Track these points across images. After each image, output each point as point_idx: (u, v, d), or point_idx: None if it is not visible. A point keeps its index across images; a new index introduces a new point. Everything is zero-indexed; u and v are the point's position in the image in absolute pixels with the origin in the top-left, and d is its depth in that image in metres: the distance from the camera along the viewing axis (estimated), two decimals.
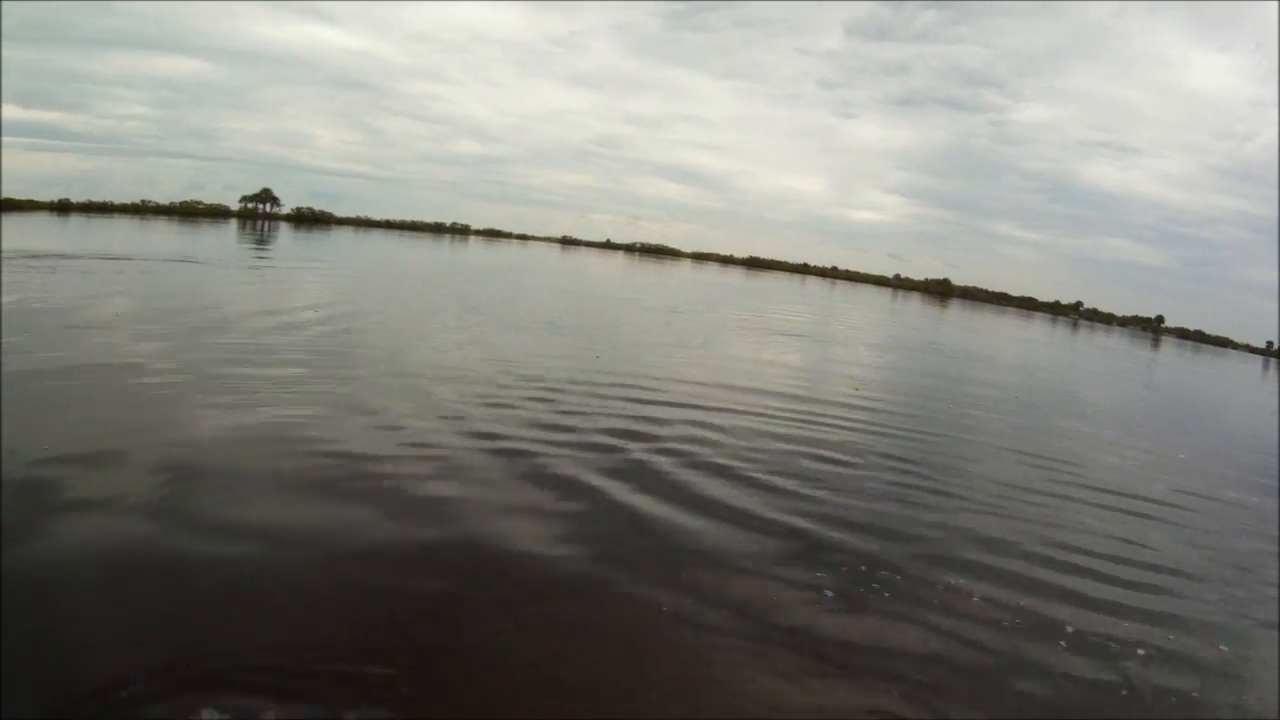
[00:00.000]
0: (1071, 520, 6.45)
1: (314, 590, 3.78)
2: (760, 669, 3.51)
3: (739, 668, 3.52)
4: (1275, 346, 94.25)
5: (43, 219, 42.38)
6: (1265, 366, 59.85)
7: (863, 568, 4.73)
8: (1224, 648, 4.38)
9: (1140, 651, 4.16)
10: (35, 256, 17.72)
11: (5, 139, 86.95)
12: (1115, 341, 54.39)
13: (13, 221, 35.94)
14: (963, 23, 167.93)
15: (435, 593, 3.92)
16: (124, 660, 3.08)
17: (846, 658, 3.69)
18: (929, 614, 4.27)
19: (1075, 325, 77.20)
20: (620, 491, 5.58)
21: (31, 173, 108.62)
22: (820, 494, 6.13)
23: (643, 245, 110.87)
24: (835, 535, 5.27)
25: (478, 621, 3.71)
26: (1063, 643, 4.12)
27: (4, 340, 8.15)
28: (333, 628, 3.47)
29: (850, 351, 18.46)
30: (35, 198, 52.82)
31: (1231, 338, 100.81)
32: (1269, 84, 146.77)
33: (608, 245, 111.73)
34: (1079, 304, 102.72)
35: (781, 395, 10.34)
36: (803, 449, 7.56)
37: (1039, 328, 54.85)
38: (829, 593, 4.36)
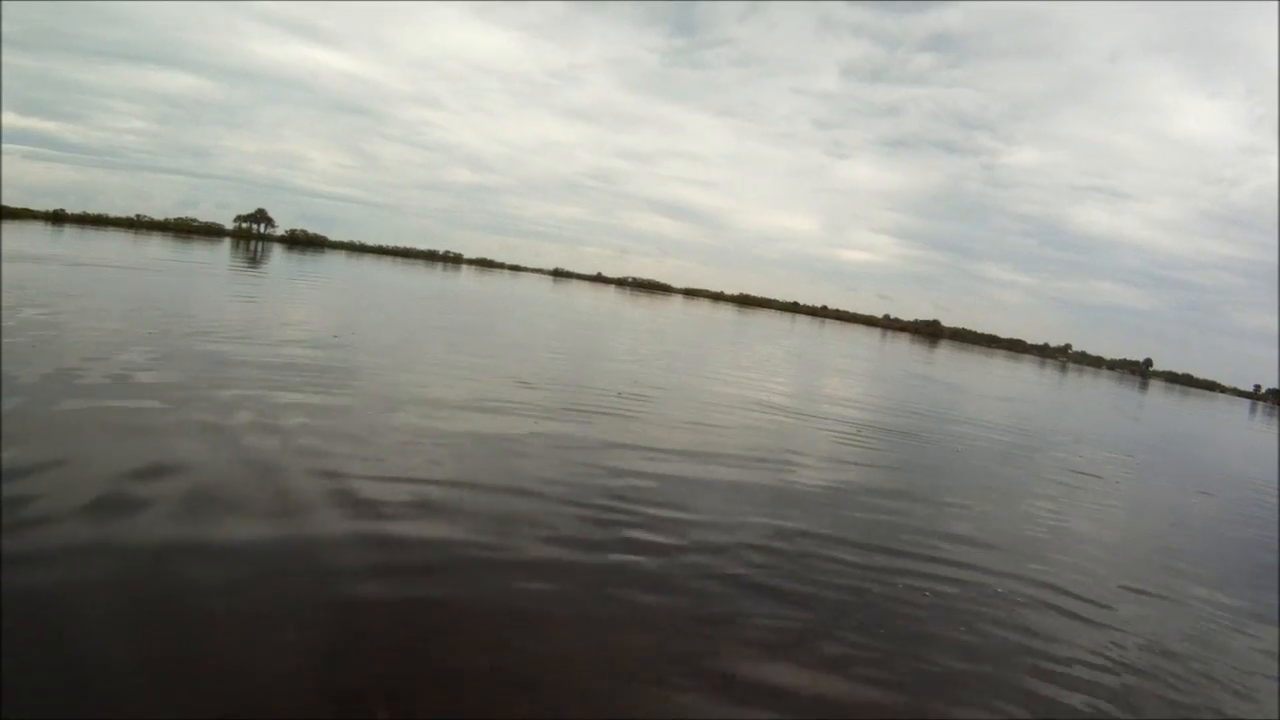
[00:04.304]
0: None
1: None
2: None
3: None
4: (1263, 390, 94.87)
5: (39, 228, 42.55)
6: (1252, 410, 60.01)
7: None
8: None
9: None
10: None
11: (3, 145, 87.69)
12: (1104, 384, 54.39)
13: (10, 230, 35.78)
14: (957, 67, 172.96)
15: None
16: None
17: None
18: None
19: (1064, 367, 77.54)
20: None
21: (28, 181, 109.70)
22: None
23: (634, 279, 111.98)
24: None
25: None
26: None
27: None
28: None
29: (853, 392, 18.18)
30: (31, 206, 54.10)
31: (1219, 381, 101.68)
32: (1259, 130, 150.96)
33: (599, 278, 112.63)
34: (1067, 346, 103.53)
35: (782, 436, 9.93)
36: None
37: (1028, 369, 54.79)
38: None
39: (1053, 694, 3.66)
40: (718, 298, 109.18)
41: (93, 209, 59.76)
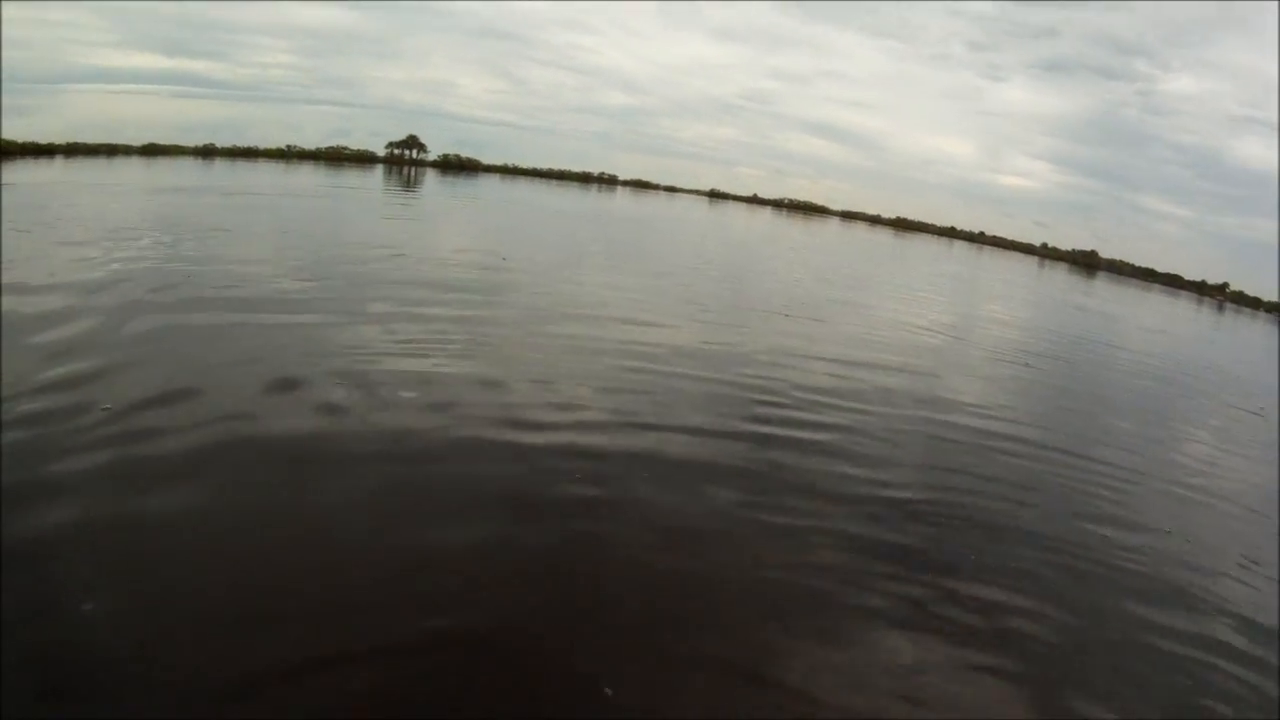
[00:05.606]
0: None
1: None
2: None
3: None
4: None
5: (189, 163, 43.72)
6: None
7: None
8: None
9: None
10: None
11: (150, 87, 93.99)
12: (1262, 326, 51.15)
13: (161, 165, 38.08)
14: None
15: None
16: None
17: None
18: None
19: (1221, 306, 77.77)
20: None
21: (176, 119, 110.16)
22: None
23: (790, 201, 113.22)
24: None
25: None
26: None
27: None
28: None
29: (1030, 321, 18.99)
30: (180, 143, 54.61)
31: None
32: None
33: (754, 200, 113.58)
34: (1225, 285, 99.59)
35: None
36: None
37: (1185, 307, 52.56)
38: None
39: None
40: (874, 221, 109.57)
41: (243, 142, 58.95)
